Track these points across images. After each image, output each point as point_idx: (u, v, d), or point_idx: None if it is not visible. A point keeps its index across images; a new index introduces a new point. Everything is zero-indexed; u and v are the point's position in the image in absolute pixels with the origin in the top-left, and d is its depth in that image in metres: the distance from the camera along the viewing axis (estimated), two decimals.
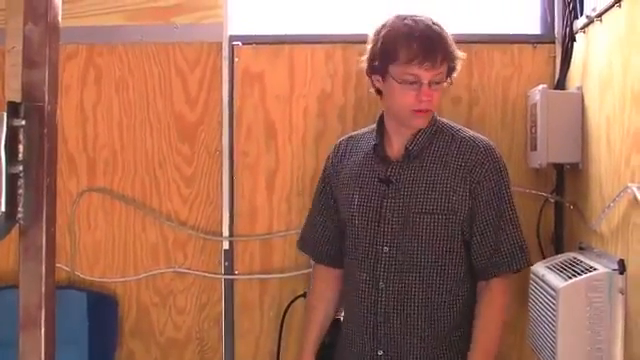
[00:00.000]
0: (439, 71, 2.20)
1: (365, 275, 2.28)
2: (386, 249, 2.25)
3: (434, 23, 2.22)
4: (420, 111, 2.23)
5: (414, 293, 2.23)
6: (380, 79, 2.27)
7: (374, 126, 2.40)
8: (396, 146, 2.32)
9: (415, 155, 2.27)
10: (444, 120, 2.37)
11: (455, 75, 2.30)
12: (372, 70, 2.28)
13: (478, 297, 2.28)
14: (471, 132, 2.35)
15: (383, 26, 2.25)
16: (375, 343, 2.27)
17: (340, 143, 2.50)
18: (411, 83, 2.20)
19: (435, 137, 2.30)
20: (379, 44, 2.24)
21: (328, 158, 2.51)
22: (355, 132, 2.52)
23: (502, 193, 2.26)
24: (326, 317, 2.54)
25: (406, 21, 2.21)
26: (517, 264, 2.27)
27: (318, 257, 2.55)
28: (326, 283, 2.54)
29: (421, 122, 2.28)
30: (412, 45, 2.18)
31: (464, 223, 2.23)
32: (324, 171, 2.51)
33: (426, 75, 2.19)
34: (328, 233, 2.50)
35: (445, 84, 2.25)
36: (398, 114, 2.27)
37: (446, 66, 2.22)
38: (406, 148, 2.28)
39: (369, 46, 2.29)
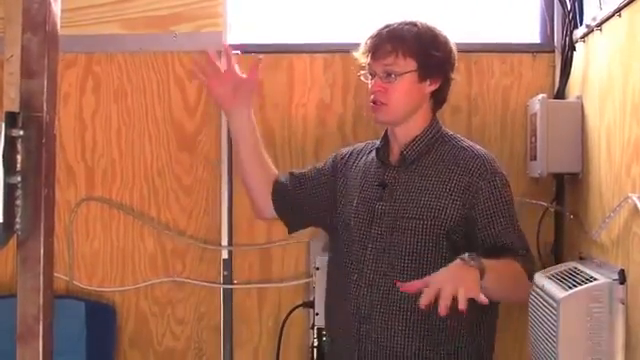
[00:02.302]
0: (389, 61, 2.22)
1: (355, 276, 2.28)
2: (374, 251, 2.25)
3: (411, 24, 2.27)
4: (374, 103, 2.27)
5: (397, 298, 2.21)
6: None
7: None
8: (396, 151, 2.33)
9: (411, 161, 2.27)
10: (448, 130, 2.36)
11: (438, 73, 2.28)
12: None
13: None
14: (471, 142, 2.34)
15: None
16: (358, 344, 2.26)
17: (356, 146, 2.52)
18: (371, 76, 2.27)
19: (435, 145, 2.30)
20: None
21: (342, 152, 2.51)
22: (361, 144, 2.51)
23: (500, 203, 2.22)
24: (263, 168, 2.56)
25: (388, 23, 2.29)
26: (523, 263, 2.20)
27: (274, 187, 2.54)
28: (268, 185, 2.54)
29: (375, 116, 2.30)
30: (367, 40, 2.28)
31: (453, 232, 2.20)
32: (333, 159, 2.51)
33: (376, 65, 2.25)
34: (297, 196, 2.52)
35: (409, 77, 2.23)
36: None
37: (404, 59, 2.23)
38: (401, 153, 2.28)
39: None
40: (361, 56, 2.29)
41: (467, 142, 2.33)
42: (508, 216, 2.23)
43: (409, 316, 2.21)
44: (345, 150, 2.52)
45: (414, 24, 2.26)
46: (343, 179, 2.43)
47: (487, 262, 2.01)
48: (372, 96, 2.27)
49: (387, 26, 2.27)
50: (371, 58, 2.25)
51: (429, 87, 2.27)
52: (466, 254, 2.00)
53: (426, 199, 2.21)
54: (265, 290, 3.11)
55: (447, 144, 2.30)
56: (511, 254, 2.18)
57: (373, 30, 2.28)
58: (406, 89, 2.24)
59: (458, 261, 1.99)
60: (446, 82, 2.30)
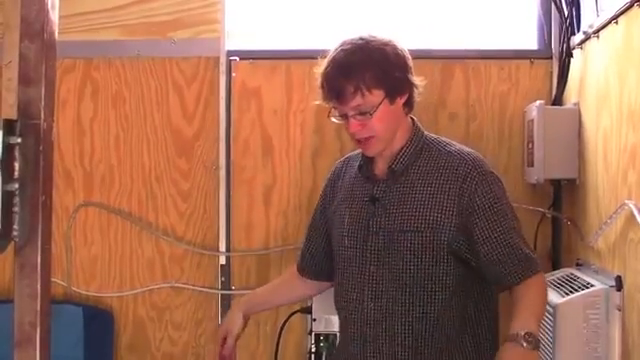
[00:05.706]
0: (357, 102, 2.13)
1: (355, 295, 2.24)
2: (373, 268, 2.20)
3: (357, 49, 2.15)
4: (359, 141, 2.21)
5: (401, 313, 2.18)
6: None
7: None
8: (381, 165, 2.27)
9: (400, 173, 2.22)
10: (433, 136, 2.31)
11: (404, 86, 2.18)
12: None
13: (513, 297, 2.15)
14: (459, 146, 2.28)
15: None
16: (364, 355, 2.24)
17: (337, 165, 2.47)
18: (341, 116, 2.18)
19: (421, 153, 2.25)
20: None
21: (326, 180, 2.48)
22: (352, 152, 2.47)
23: (496, 204, 2.17)
24: (284, 289, 2.60)
25: (334, 52, 2.17)
26: (533, 269, 2.14)
27: (299, 267, 2.52)
28: (296, 280, 2.53)
29: (367, 151, 2.24)
30: (324, 85, 2.17)
31: (454, 241, 2.17)
32: (322, 191, 2.48)
33: (346, 109, 2.15)
34: (314, 249, 2.47)
35: (382, 106, 2.14)
36: None
37: (370, 93, 2.12)
38: (389, 167, 2.25)
39: None
40: (324, 102, 2.19)
41: (454, 146, 2.27)
42: (507, 219, 2.18)
43: (414, 329, 2.18)
44: (331, 173, 2.48)
45: (359, 48, 2.15)
46: (330, 202, 2.41)
47: (530, 318, 1.98)
48: (355, 136, 2.19)
49: (335, 62, 2.15)
50: (337, 102, 2.15)
51: (401, 101, 2.19)
52: (520, 332, 1.93)
53: (420, 211, 2.17)
54: None
55: (433, 150, 2.25)
56: (521, 268, 2.13)
57: (322, 67, 2.16)
58: (383, 116, 2.16)
59: (511, 346, 1.93)
60: (413, 88, 2.22)
